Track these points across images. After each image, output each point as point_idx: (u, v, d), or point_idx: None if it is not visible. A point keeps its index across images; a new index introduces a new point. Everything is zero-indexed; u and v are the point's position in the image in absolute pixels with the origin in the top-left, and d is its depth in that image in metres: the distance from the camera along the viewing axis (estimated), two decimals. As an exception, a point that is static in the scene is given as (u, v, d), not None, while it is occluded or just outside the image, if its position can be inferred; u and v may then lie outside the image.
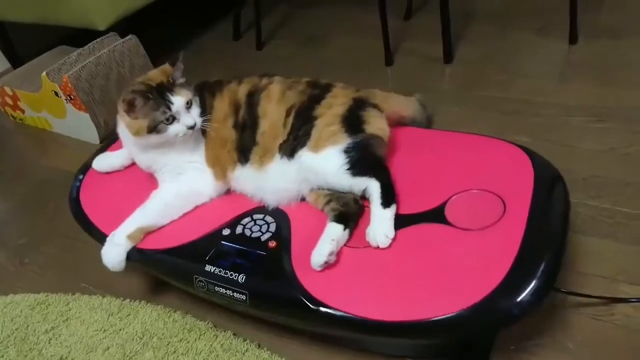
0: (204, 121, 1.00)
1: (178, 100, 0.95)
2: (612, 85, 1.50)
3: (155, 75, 0.99)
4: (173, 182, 1.04)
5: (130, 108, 0.95)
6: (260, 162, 1.00)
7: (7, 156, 1.77)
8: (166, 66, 1.00)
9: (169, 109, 0.95)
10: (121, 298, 1.13)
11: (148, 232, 1.00)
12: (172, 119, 0.96)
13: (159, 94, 0.95)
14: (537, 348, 0.91)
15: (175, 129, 0.96)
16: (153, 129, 0.95)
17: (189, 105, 0.97)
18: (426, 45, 1.84)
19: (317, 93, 1.03)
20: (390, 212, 0.89)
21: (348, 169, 0.93)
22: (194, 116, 0.98)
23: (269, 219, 0.97)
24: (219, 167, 1.04)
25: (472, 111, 1.52)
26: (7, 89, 1.78)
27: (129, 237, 0.99)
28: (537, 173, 0.93)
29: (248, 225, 0.97)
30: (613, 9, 1.84)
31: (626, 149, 1.27)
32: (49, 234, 1.38)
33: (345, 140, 0.95)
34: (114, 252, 0.98)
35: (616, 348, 0.89)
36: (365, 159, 0.95)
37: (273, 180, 0.99)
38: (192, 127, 0.97)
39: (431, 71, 1.74)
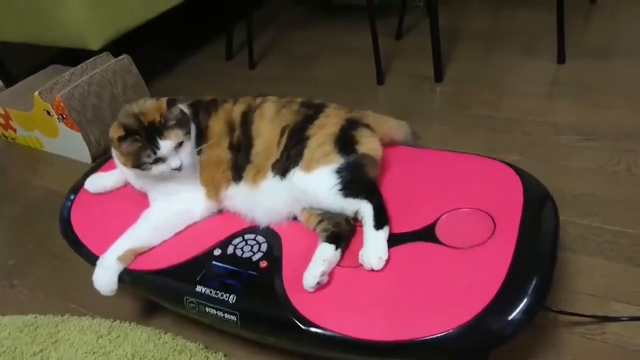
0: (199, 151, 1.00)
1: (166, 145, 0.94)
2: (600, 104, 1.53)
3: (150, 109, 0.96)
4: (165, 201, 1.04)
5: (116, 145, 0.95)
6: (253, 180, 1.00)
7: (-2, 176, 1.76)
8: (162, 104, 0.96)
9: (155, 153, 0.94)
10: (111, 319, 1.11)
11: (139, 253, 0.99)
12: (158, 160, 0.95)
13: (148, 136, 0.93)
14: (528, 367, 0.91)
15: (159, 168, 0.95)
16: (137, 166, 0.96)
17: (179, 145, 0.96)
18: (417, 65, 1.87)
19: (310, 113, 1.04)
20: (383, 234, 0.89)
21: (340, 190, 0.93)
22: (182, 157, 0.96)
23: (260, 239, 0.97)
24: (212, 187, 1.03)
25: (462, 130, 1.53)
26: (-1, 108, 1.78)
27: (120, 258, 0.98)
28: (527, 191, 0.94)
29: (239, 246, 0.96)
30: (599, 31, 1.88)
31: (614, 167, 1.29)
32: (39, 255, 1.36)
33: (338, 160, 0.95)
34: (105, 276, 0.97)
35: (607, 367, 0.90)
36: (357, 180, 0.95)
37: (265, 198, 0.99)
38: (177, 169, 0.96)
39: (422, 90, 1.77)
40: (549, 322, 0.96)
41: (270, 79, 2.02)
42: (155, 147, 0.93)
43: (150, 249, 1.00)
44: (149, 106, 0.97)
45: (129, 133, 0.93)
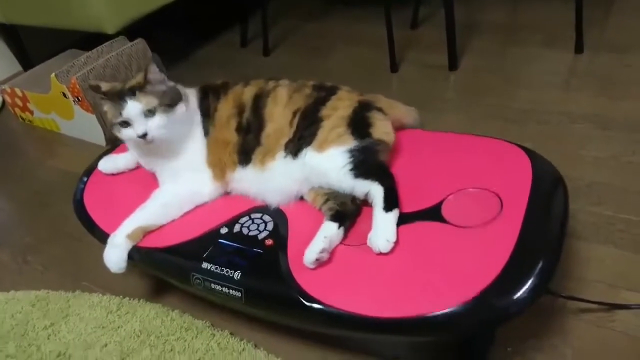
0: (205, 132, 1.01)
1: (133, 106, 0.94)
2: (617, 95, 1.50)
3: (138, 76, 0.99)
4: (172, 183, 1.05)
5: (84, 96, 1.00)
6: (262, 161, 1.01)
7: (15, 157, 1.79)
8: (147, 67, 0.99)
9: (120, 114, 0.95)
10: (120, 296, 1.14)
11: (148, 232, 1.01)
12: (126, 123, 0.96)
13: (119, 96, 0.95)
14: (534, 352, 0.90)
15: (127, 133, 0.96)
16: (110, 126, 0.98)
17: (151, 113, 0.95)
18: (432, 54, 1.85)
19: (322, 95, 1.04)
20: (393, 216, 0.89)
21: (351, 170, 0.93)
22: (151, 126, 0.95)
23: (266, 217, 0.97)
24: (219, 169, 1.04)
25: (475, 119, 1.52)
26: (17, 90, 1.81)
27: (129, 236, 0.99)
28: (536, 172, 0.92)
29: (246, 224, 0.97)
30: (620, 24, 1.84)
31: (629, 157, 1.27)
32: (53, 234, 1.39)
33: (351, 143, 0.95)
34: (115, 254, 0.99)
35: (615, 355, 0.88)
36: (369, 162, 0.95)
37: (275, 179, 1.00)
38: (142, 137, 0.95)
39: (436, 79, 1.75)
40: (557, 308, 0.95)
41: (284, 68, 2.02)
42: (122, 106, 0.94)
43: (159, 228, 1.01)
44: (140, 74, 0.99)
45: (98, 90, 0.98)
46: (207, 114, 1.04)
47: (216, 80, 1.12)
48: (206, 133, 1.04)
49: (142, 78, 0.96)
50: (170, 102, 0.98)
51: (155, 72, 0.97)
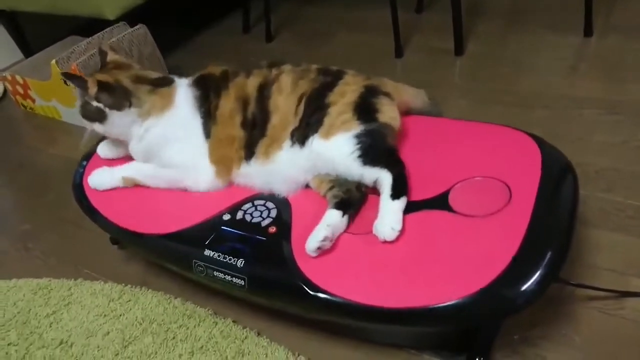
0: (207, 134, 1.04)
1: None
2: (626, 79, 1.47)
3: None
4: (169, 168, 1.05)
5: None
6: (266, 153, 0.98)
7: (16, 145, 1.78)
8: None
9: None
10: (122, 284, 1.13)
11: (138, 185, 1.07)
12: None
13: None
14: (542, 340, 0.88)
15: None
16: None
17: None
18: (437, 38, 1.82)
19: (328, 80, 1.01)
20: (399, 204, 0.86)
21: (359, 157, 0.91)
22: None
23: (270, 204, 0.96)
24: (224, 165, 1.02)
25: (482, 104, 1.49)
26: (18, 78, 1.79)
27: (124, 178, 1.06)
28: (545, 160, 0.90)
29: (249, 211, 0.95)
30: (626, 5, 1.80)
31: (638, 142, 1.24)
32: (54, 221, 1.38)
33: (357, 127, 0.93)
34: (105, 177, 1.08)
35: (624, 343, 0.87)
36: (377, 148, 0.92)
37: (281, 169, 0.97)
38: None
39: (442, 64, 1.72)
40: (566, 295, 0.94)
41: (287, 54, 1.99)
42: None
43: (160, 214, 1.01)
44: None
45: (103, 56, 1.12)
46: (208, 114, 1.02)
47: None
48: (207, 135, 1.02)
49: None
50: (85, 118, 1.06)
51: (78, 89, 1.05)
